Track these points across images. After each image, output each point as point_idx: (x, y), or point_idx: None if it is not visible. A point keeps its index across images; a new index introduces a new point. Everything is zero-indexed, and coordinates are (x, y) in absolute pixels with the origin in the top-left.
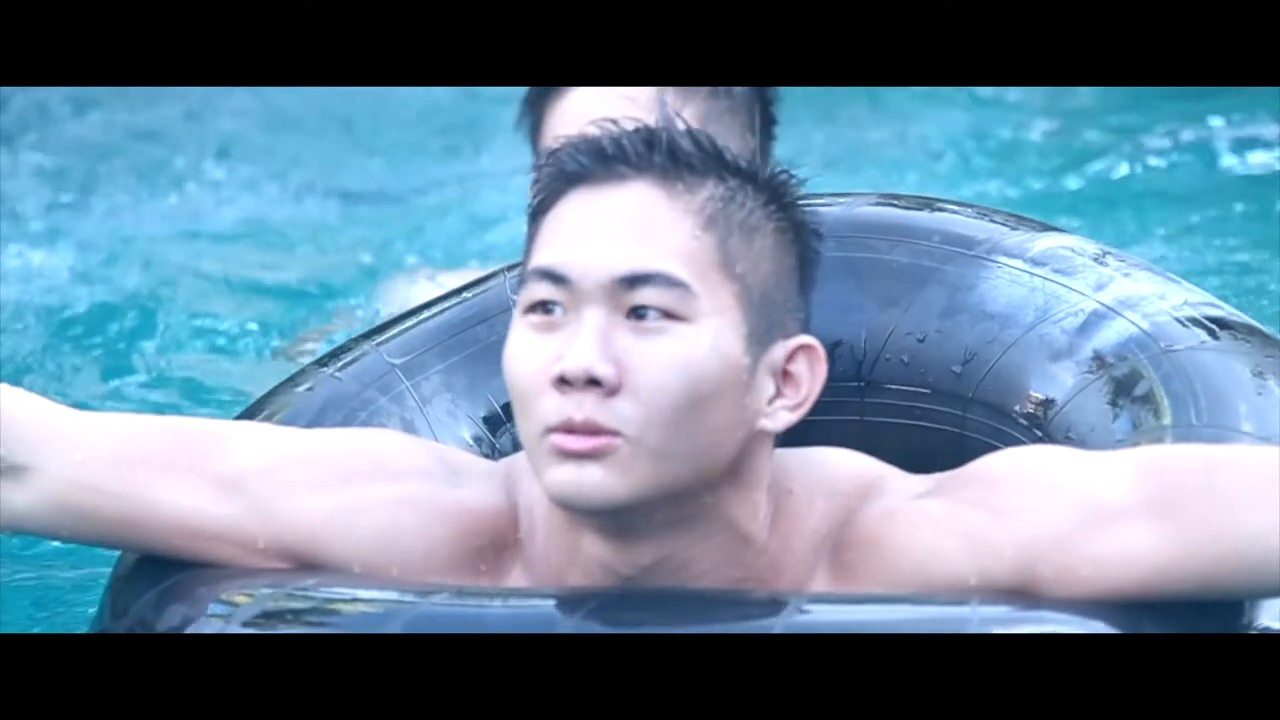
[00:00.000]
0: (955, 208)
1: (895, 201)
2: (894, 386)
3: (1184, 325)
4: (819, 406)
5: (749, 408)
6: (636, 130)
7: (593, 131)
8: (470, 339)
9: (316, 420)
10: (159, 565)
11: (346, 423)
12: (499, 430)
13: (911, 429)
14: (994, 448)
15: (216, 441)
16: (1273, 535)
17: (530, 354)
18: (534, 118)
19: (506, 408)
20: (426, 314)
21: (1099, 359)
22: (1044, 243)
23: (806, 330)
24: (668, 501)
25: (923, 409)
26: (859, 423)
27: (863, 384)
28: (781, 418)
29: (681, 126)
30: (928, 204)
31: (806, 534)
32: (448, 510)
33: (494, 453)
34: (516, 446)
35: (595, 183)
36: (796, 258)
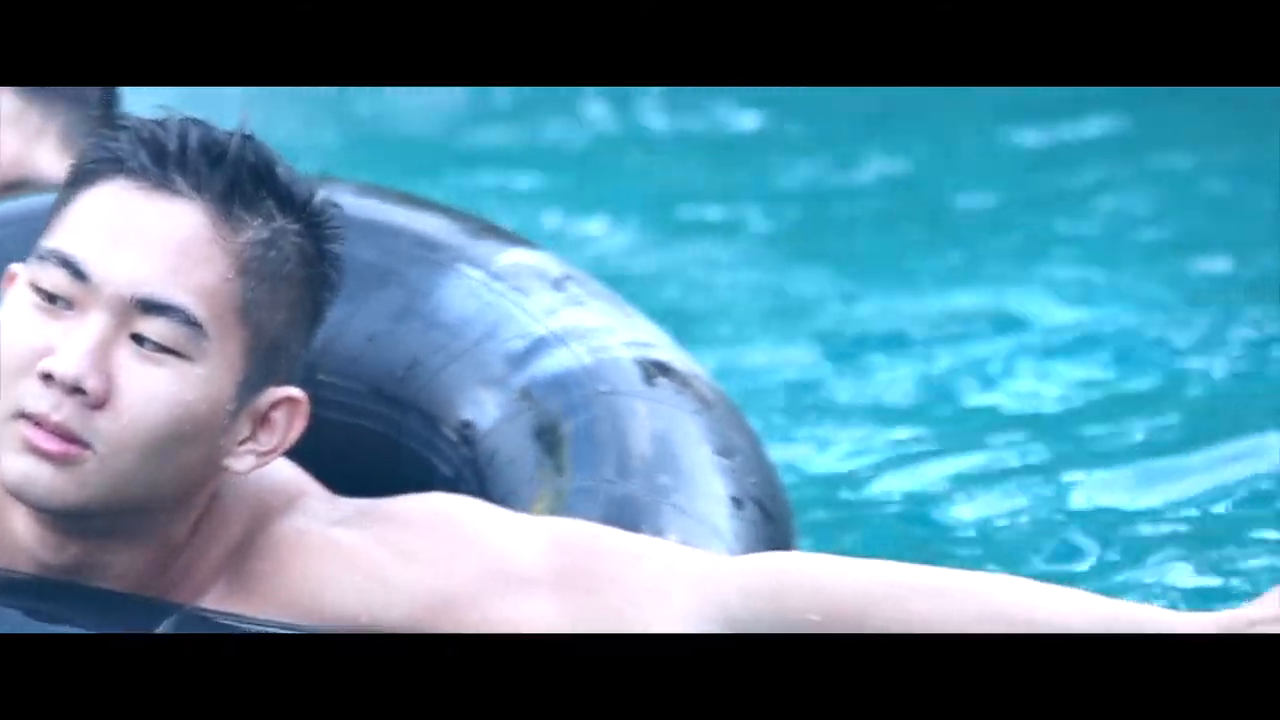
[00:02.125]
0: (432, 208)
1: (374, 194)
2: (340, 382)
3: (625, 367)
4: None
5: (220, 447)
6: (206, 144)
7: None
8: None
9: None
10: None
11: None
12: None
13: (351, 427)
14: (426, 459)
15: None
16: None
17: (24, 332)
18: None
19: None
20: None
21: (533, 389)
22: (509, 257)
23: (295, 375)
24: (111, 515)
25: (364, 408)
26: None
27: (312, 376)
28: (247, 461)
29: (250, 147)
30: (406, 201)
31: (223, 541)
32: None
33: None
34: None
35: (146, 185)
36: (315, 307)
